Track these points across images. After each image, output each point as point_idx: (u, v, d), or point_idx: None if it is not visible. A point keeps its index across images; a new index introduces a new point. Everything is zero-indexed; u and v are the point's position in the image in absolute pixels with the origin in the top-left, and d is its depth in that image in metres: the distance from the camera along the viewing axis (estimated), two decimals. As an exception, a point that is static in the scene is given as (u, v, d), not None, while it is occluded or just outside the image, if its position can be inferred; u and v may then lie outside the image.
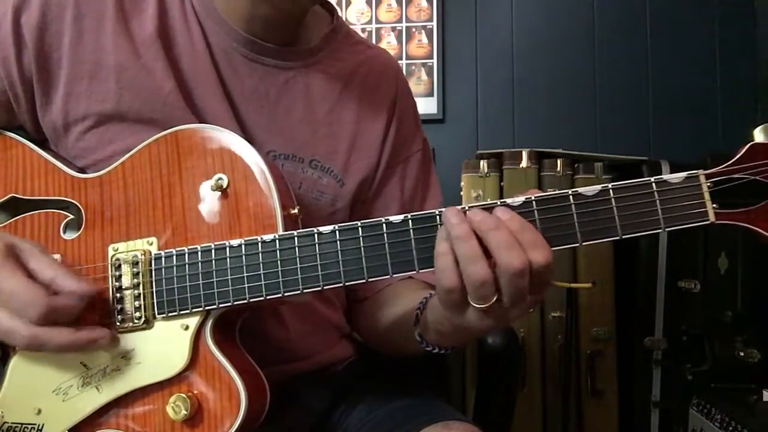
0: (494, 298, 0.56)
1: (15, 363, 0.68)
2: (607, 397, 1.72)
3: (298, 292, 0.63)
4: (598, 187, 0.58)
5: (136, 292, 0.66)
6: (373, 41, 2.15)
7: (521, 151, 1.76)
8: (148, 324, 0.66)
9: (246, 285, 0.64)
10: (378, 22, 2.19)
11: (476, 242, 0.56)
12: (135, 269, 0.67)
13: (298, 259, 0.63)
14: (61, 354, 0.66)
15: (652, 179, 0.57)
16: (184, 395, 0.63)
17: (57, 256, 0.69)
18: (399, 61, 2.13)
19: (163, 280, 0.66)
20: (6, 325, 0.61)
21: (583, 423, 1.73)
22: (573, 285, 1.66)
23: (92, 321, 0.66)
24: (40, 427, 0.67)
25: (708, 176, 0.57)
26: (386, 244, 0.61)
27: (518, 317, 0.59)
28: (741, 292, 1.67)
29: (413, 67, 2.16)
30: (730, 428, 1.43)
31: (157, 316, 0.66)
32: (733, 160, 0.56)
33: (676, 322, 1.72)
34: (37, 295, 0.60)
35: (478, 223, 0.56)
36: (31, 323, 0.61)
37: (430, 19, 2.17)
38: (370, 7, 2.19)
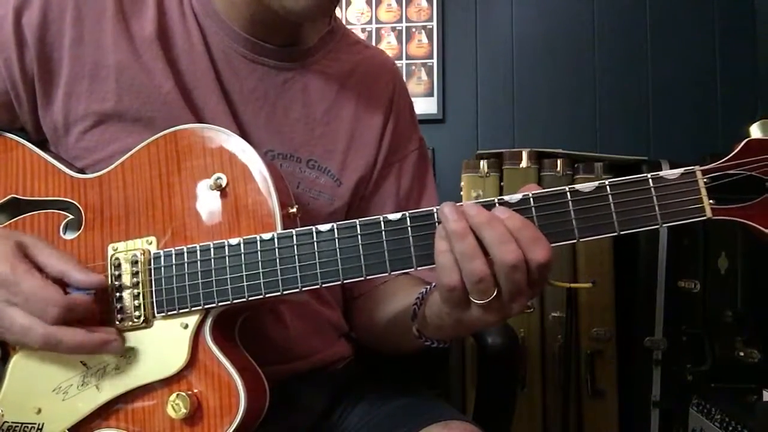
0: (494, 294, 0.57)
1: (15, 362, 0.69)
2: (607, 397, 1.72)
3: (297, 290, 0.63)
4: (595, 183, 0.58)
5: (135, 291, 0.67)
6: (373, 41, 2.15)
7: (521, 151, 1.76)
8: (147, 323, 0.66)
9: (245, 283, 0.64)
10: (378, 22, 2.19)
11: (473, 239, 0.56)
12: (134, 268, 0.67)
13: (296, 257, 0.63)
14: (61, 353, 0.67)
15: (649, 175, 0.57)
16: (183, 394, 0.64)
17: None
18: (399, 61, 2.13)
19: (162, 279, 0.66)
20: (23, 323, 0.62)
21: (583, 423, 1.73)
22: (573, 285, 1.66)
23: (93, 320, 0.66)
24: (40, 427, 0.67)
25: (704, 172, 0.57)
26: (384, 242, 0.61)
27: (520, 311, 0.59)
28: (741, 292, 1.67)
29: (413, 67, 2.16)
30: (730, 428, 1.43)
31: (157, 314, 0.66)
32: (729, 156, 0.57)
33: (676, 322, 1.72)
34: (55, 295, 0.62)
35: (472, 218, 0.57)
36: (46, 322, 0.62)
37: (430, 19, 2.17)
38: (370, 7, 2.19)
